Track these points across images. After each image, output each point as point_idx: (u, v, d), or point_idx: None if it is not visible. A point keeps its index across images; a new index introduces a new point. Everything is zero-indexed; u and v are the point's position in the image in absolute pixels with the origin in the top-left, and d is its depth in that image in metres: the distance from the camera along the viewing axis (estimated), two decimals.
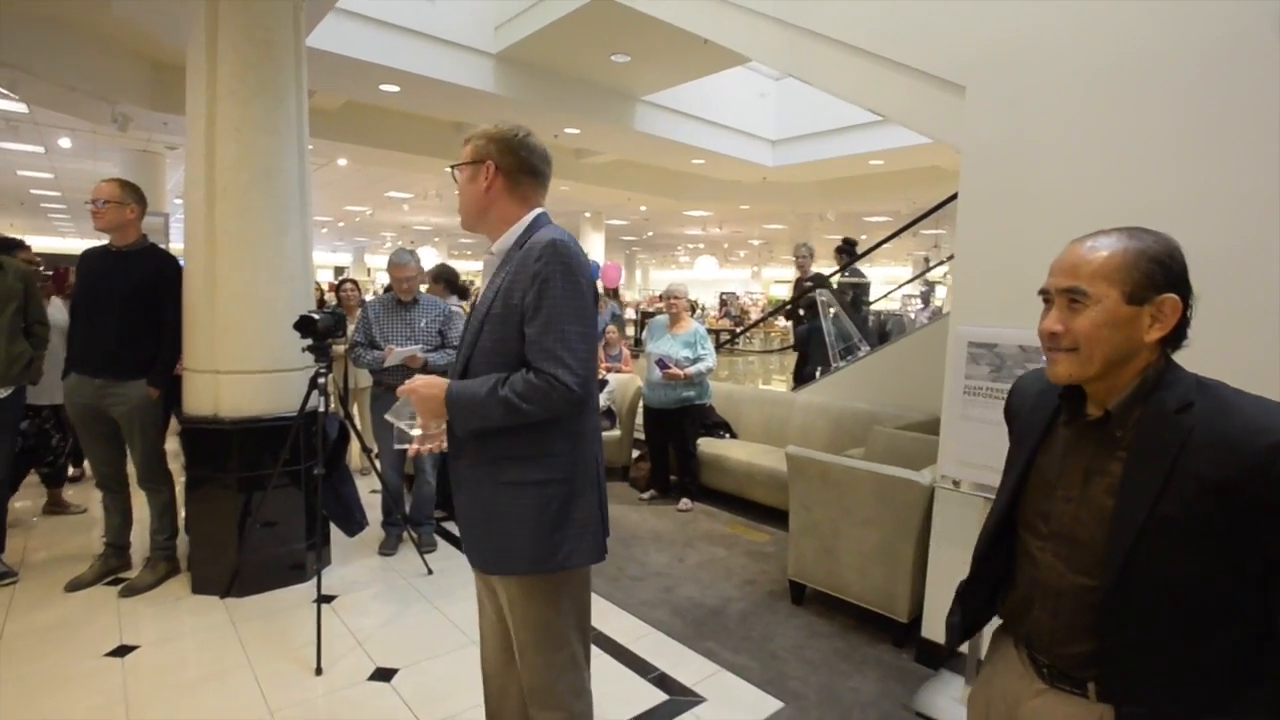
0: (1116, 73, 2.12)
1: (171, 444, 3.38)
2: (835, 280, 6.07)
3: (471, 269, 26.54)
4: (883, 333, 9.96)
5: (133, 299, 3.01)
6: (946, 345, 2.50)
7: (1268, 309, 1.84)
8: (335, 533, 3.42)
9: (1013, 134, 2.37)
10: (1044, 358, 1.04)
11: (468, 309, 5.88)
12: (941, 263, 9.97)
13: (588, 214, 14.16)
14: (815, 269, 6.24)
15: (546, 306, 1.36)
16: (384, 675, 2.51)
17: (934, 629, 2.69)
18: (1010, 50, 2.36)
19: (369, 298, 4.53)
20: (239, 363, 3.08)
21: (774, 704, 2.42)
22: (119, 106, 5.83)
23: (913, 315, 12.34)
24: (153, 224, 5.47)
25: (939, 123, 2.65)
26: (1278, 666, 0.92)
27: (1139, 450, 0.94)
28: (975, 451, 2.37)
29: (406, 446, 1.49)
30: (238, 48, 3.01)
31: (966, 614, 1.21)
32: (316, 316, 2.75)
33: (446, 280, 4.40)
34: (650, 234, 19.76)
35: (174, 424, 3.39)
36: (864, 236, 18.31)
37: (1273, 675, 0.92)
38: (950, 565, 2.61)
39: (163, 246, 3.27)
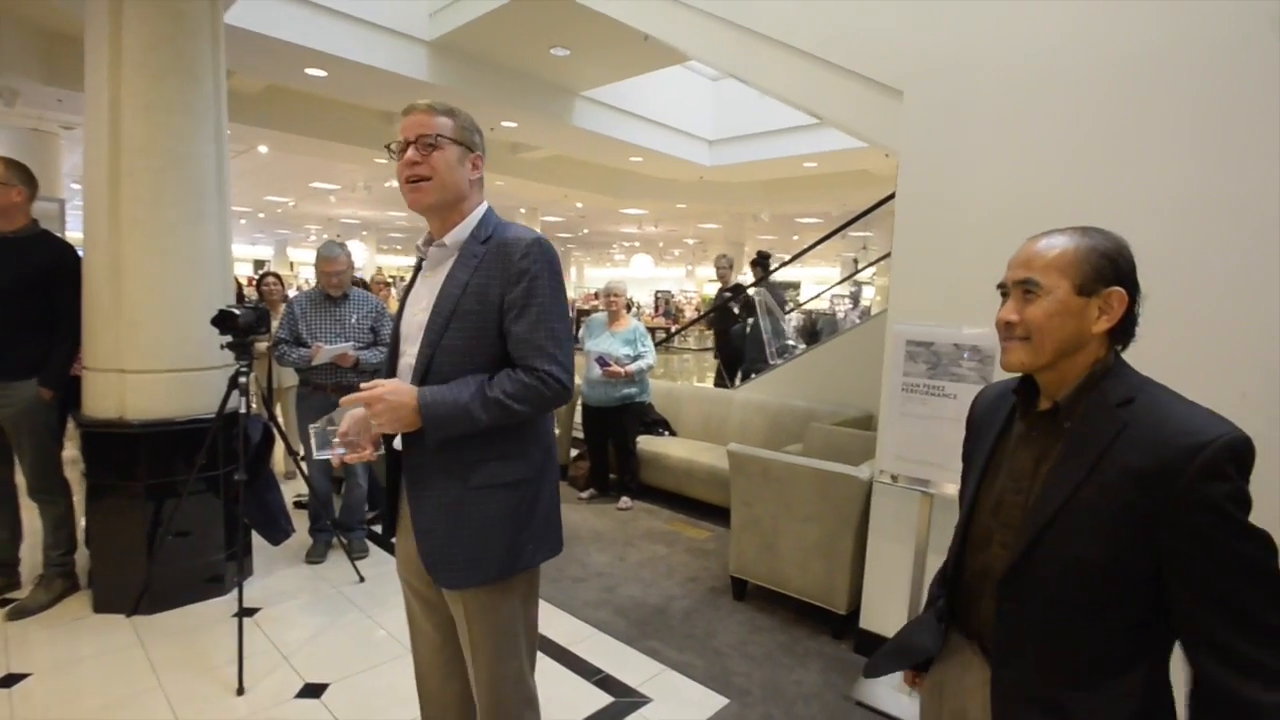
0: (1047, 82, 2.23)
1: (70, 450, 3.09)
2: (754, 290, 6.22)
3: (401, 264, 25.73)
4: (813, 331, 10.28)
5: (20, 290, 2.73)
6: (881, 343, 2.58)
7: (1186, 308, 1.97)
8: (258, 541, 3.21)
9: (949, 139, 2.45)
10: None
11: (394, 304, 5.67)
12: (871, 264, 10.34)
13: (523, 210, 13.95)
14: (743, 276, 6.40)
15: (536, 304, 1.33)
16: (313, 691, 2.37)
17: (872, 620, 2.76)
18: (946, 58, 2.45)
19: (293, 293, 4.28)
20: (148, 361, 2.85)
21: (719, 700, 2.43)
22: (4, 80, 5.31)
23: (843, 314, 12.78)
24: (46, 210, 5.02)
25: (878, 127, 2.72)
26: (1152, 654, 0.95)
27: (1076, 437, 0.98)
28: (913, 447, 2.45)
29: (328, 455, 1.38)
30: (147, 19, 2.78)
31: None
32: (237, 311, 2.57)
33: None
34: (586, 231, 19.65)
35: (72, 428, 3.10)
36: (795, 237, 18.83)
37: (1147, 663, 0.95)
38: (888, 558, 2.69)
39: (60, 235, 2.98)
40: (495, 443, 1.37)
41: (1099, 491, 0.93)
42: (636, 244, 23.08)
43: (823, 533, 2.92)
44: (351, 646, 2.69)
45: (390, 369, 1.45)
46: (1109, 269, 0.97)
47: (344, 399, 1.30)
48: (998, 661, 1.03)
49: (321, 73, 5.19)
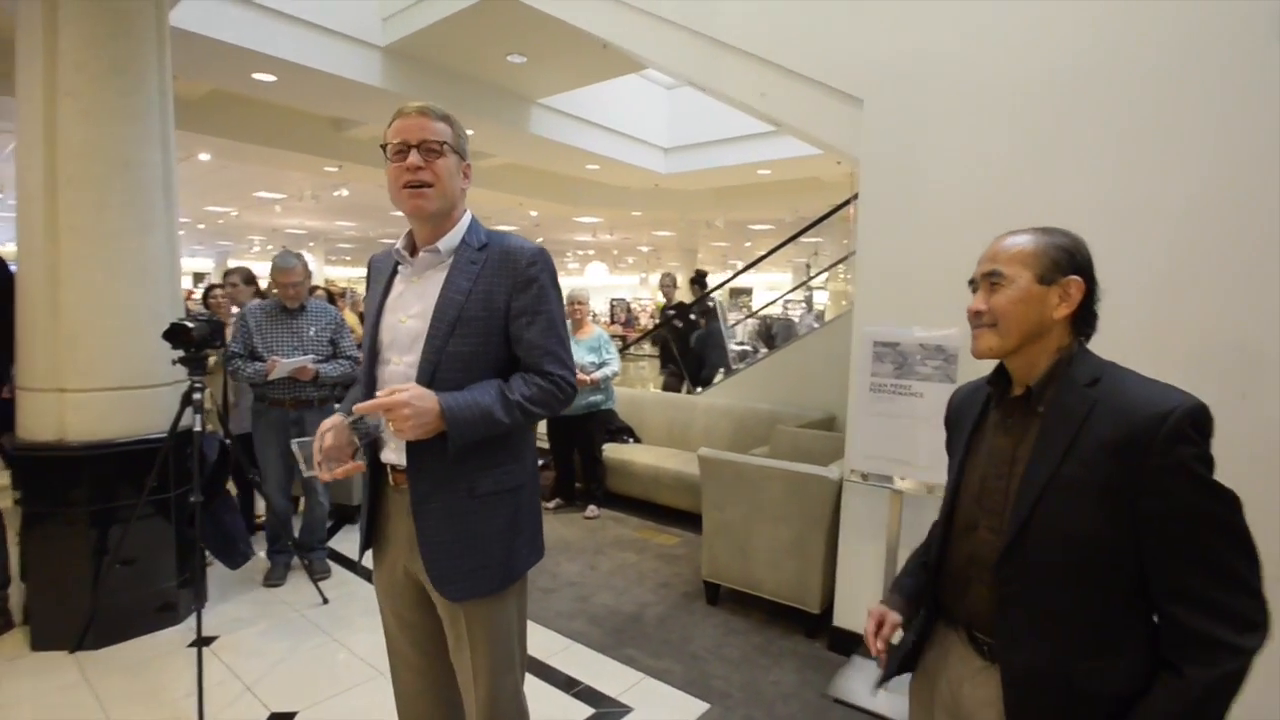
0: (1004, 89, 2.32)
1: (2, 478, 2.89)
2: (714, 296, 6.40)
3: (351, 275, 25.01)
4: (769, 336, 10.46)
5: None
6: (841, 347, 2.63)
7: (1128, 304, 2.07)
8: (213, 566, 3.07)
9: (909, 146, 2.53)
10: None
11: (350, 315, 5.50)
12: (823, 270, 10.59)
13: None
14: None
15: (545, 311, 1.37)
16: None
17: (845, 617, 2.81)
18: (905, 67, 2.53)
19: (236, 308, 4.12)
20: (90, 379, 2.69)
21: (700, 706, 2.43)
22: None
23: (797, 319, 13.04)
24: None
25: (839, 134, 2.78)
26: (1147, 617, 1.01)
27: (1051, 417, 1.04)
28: (882, 445, 2.50)
29: (316, 473, 1.32)
30: (85, 17, 2.64)
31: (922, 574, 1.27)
32: (190, 324, 2.45)
33: (246, 281, 4.14)
34: (540, 240, 19.40)
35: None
36: (749, 244, 19.12)
37: (1144, 626, 1.01)
38: (860, 555, 2.74)
39: None
40: (497, 450, 1.36)
41: (1079, 466, 0.98)
42: (591, 252, 23.02)
43: (794, 534, 2.96)
44: (318, 672, 2.58)
45: (370, 379, 1.40)
46: (1066, 260, 1.05)
47: (358, 406, 1.25)
48: (1004, 645, 1.05)
49: (270, 77, 5.02)
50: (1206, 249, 2.00)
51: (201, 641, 2.40)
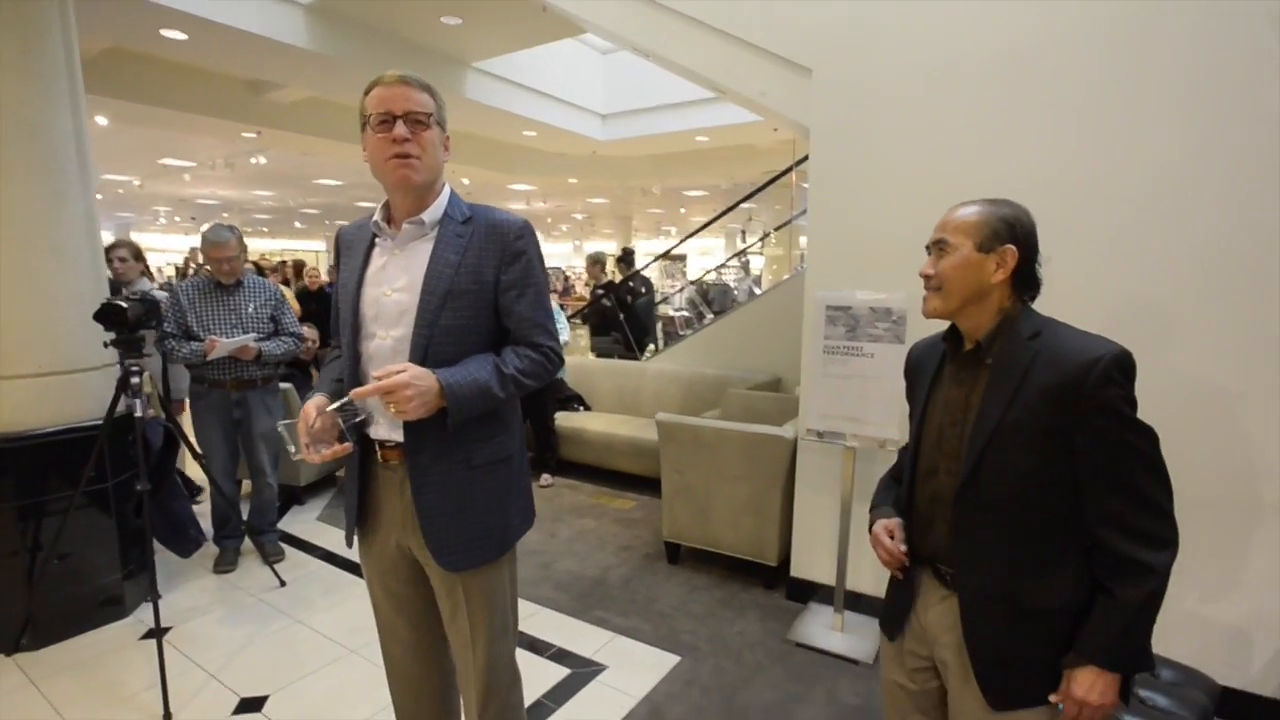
0: (950, 60, 2.41)
1: None
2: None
3: (270, 248, 23.65)
4: (706, 300, 10.65)
5: None
6: (782, 313, 2.70)
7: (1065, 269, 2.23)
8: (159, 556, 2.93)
9: (858, 115, 2.61)
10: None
11: (290, 292, 5.24)
12: (761, 239, 10.80)
13: None
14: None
15: (534, 283, 1.39)
16: (252, 705, 2.23)
17: (802, 568, 2.97)
18: (852, 38, 2.59)
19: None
20: (11, 365, 2.51)
21: (672, 659, 2.53)
22: None
23: (734, 283, 13.27)
24: None
25: (788, 103, 2.84)
26: (1077, 541, 1.16)
27: (999, 368, 1.17)
28: (836, 404, 2.63)
29: (305, 455, 1.28)
30: None
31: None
32: (124, 304, 2.30)
33: (136, 256, 3.84)
34: None
35: None
36: (683, 210, 19.18)
37: (1076, 549, 1.16)
38: (815, 509, 2.89)
39: None
40: (489, 420, 1.38)
41: (1024, 411, 1.11)
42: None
43: (752, 492, 3.08)
44: (285, 654, 2.54)
45: (354, 354, 1.36)
46: (1005, 231, 1.17)
47: (356, 391, 1.22)
48: (961, 571, 1.19)
49: (181, 35, 4.62)
50: (1135, 219, 2.18)
51: (160, 631, 2.31)
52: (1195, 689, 1.66)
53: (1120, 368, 1.07)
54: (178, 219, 19.31)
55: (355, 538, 1.48)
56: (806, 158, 5.23)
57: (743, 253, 14.07)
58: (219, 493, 3.04)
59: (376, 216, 1.38)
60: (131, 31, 4.64)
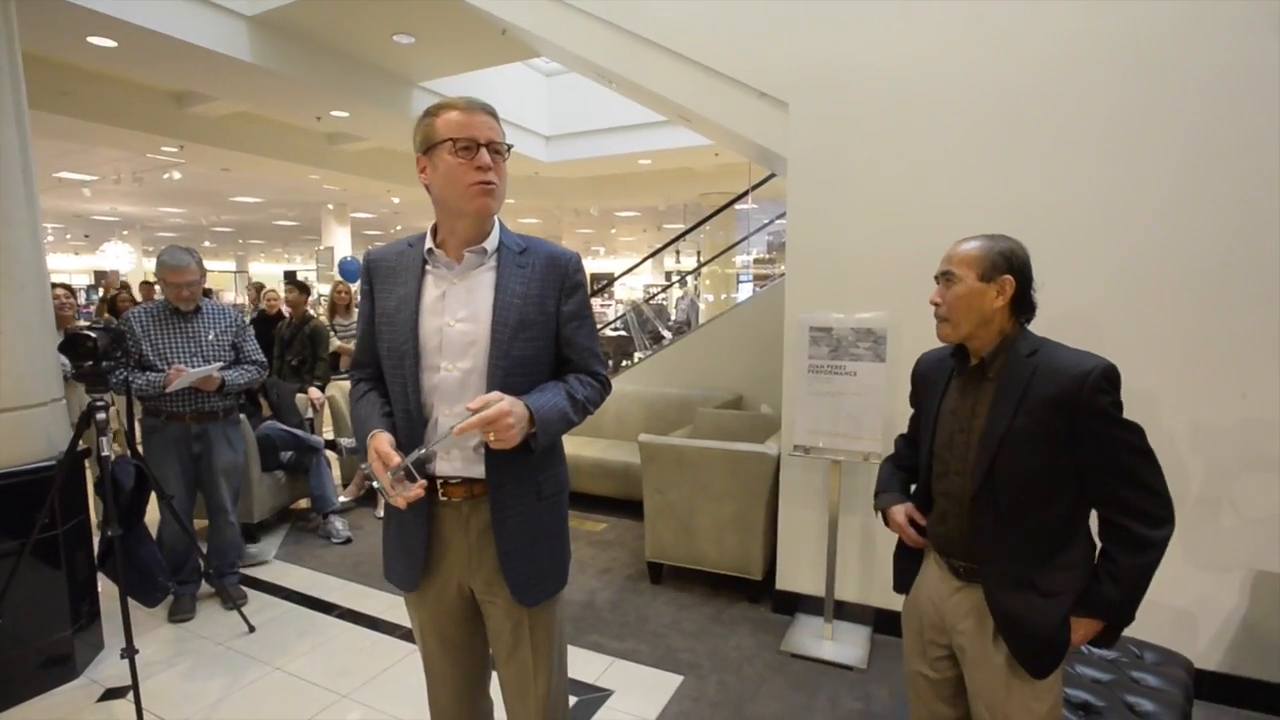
0: (923, 92, 2.59)
1: None
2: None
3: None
4: (642, 320, 10.82)
5: None
6: (747, 331, 2.76)
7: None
8: (103, 608, 2.69)
9: (834, 147, 2.76)
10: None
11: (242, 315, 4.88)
12: (707, 262, 11.09)
13: (331, 206, 12.75)
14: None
15: (589, 314, 1.45)
16: None
17: (787, 580, 3.06)
18: (828, 73, 2.75)
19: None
20: None
21: (675, 679, 2.55)
22: None
23: (672, 304, 13.49)
24: None
25: (765, 135, 2.96)
26: (1081, 529, 1.35)
27: (1003, 383, 1.34)
28: (822, 421, 2.75)
29: (391, 496, 1.21)
30: None
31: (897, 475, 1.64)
32: (91, 334, 2.13)
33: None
34: (399, 228, 18.43)
35: None
36: (613, 230, 19.36)
37: (1081, 536, 1.34)
38: (799, 523, 2.99)
39: None
40: (551, 452, 1.40)
41: (1028, 418, 1.29)
42: None
43: (736, 509, 3.15)
44: (267, 703, 2.39)
45: (415, 387, 1.32)
46: (1004, 262, 1.34)
47: (459, 427, 1.16)
48: (982, 562, 1.36)
49: (110, 42, 4.31)
50: (1079, 240, 2.41)
51: (131, 689, 2.12)
52: (1176, 667, 1.84)
53: (1108, 378, 1.25)
54: (69, 236, 17.79)
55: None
56: (765, 180, 5.46)
57: (692, 272, 14.39)
58: (184, 533, 2.83)
59: (428, 244, 1.35)
60: (54, 37, 4.30)
